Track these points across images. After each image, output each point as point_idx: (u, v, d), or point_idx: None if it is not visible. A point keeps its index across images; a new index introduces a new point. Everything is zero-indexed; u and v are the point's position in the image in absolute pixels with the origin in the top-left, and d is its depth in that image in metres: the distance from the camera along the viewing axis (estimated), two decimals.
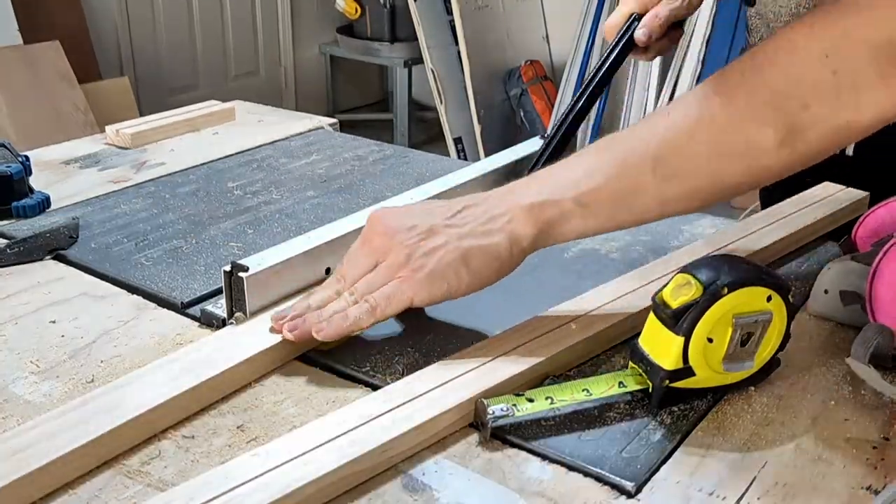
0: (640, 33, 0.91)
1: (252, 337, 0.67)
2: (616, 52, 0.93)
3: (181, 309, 0.76)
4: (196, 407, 0.61)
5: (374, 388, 0.64)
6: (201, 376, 0.62)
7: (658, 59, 3.21)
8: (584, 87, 0.95)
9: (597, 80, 0.93)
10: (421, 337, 0.71)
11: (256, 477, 0.52)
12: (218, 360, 0.64)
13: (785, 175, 0.63)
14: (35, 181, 1.01)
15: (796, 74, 0.59)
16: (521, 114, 3.55)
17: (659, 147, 0.63)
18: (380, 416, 0.57)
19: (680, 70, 3.18)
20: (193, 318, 0.75)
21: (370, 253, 0.67)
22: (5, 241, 0.88)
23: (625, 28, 0.92)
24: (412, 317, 0.73)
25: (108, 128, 1.21)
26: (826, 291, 0.73)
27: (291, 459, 0.53)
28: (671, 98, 3.19)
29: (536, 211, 0.65)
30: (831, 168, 0.82)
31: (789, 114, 0.59)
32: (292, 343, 0.67)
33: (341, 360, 0.68)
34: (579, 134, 3.31)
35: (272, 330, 0.68)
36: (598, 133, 3.43)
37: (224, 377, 0.63)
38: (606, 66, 0.94)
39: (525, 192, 0.66)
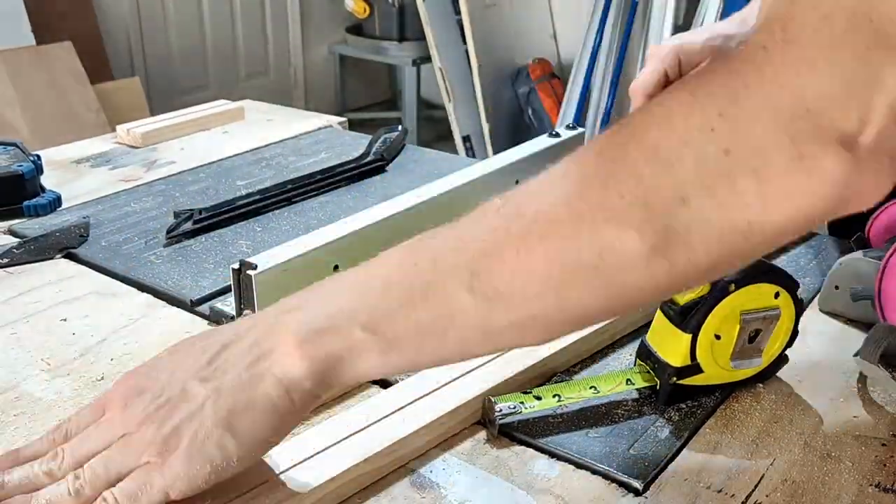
0: None
1: None
2: None
3: (190, 307, 0.76)
4: None
5: (385, 385, 0.64)
6: None
7: None
8: None
9: None
10: None
11: (266, 481, 0.51)
12: None
13: (668, 296, 0.49)
14: (46, 180, 1.01)
15: (670, 156, 0.40)
16: (530, 112, 3.54)
17: (477, 257, 0.44)
18: (388, 415, 0.57)
19: None
20: (203, 315, 0.75)
21: (109, 424, 0.48)
22: (17, 240, 0.88)
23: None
24: None
25: (118, 127, 1.21)
26: (837, 288, 0.73)
27: (301, 462, 0.53)
28: None
29: (312, 345, 0.46)
30: None
31: (661, 212, 0.40)
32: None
33: None
34: (587, 129, 3.30)
35: None
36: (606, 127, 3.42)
37: None
38: None
39: (300, 316, 0.47)
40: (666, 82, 0.80)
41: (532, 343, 0.46)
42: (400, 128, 1.17)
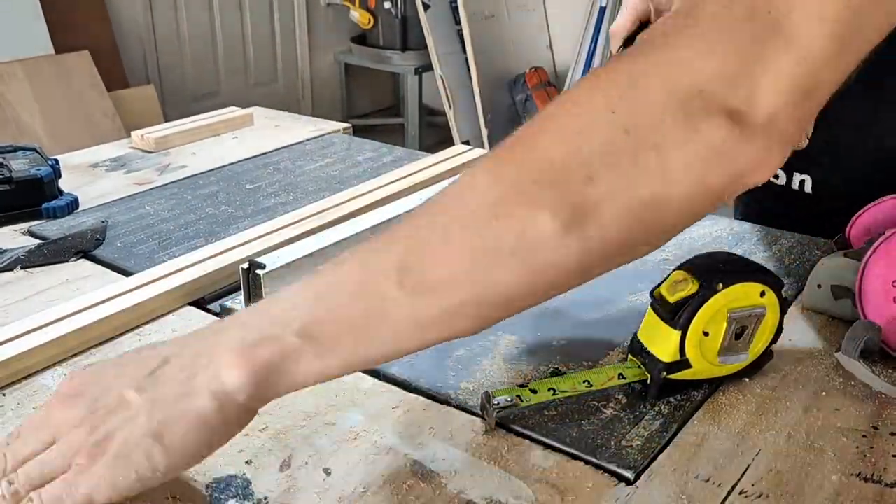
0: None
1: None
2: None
3: (202, 305, 0.76)
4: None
5: (386, 379, 0.64)
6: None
7: None
8: None
9: None
10: None
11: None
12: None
13: (589, 275, 0.46)
14: (64, 183, 1.01)
15: (576, 139, 0.43)
16: (526, 118, 3.54)
17: (404, 254, 0.45)
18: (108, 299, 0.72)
19: None
20: (213, 313, 0.75)
21: (47, 425, 0.48)
22: (36, 241, 0.88)
23: (632, 35, 0.90)
24: None
25: (133, 133, 1.21)
26: (819, 286, 0.72)
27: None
28: None
29: (248, 354, 0.45)
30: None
31: (570, 191, 0.42)
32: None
33: None
34: None
35: None
36: None
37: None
38: None
39: (236, 331, 0.47)
40: (640, 26, 0.86)
41: (464, 332, 0.46)
42: None
